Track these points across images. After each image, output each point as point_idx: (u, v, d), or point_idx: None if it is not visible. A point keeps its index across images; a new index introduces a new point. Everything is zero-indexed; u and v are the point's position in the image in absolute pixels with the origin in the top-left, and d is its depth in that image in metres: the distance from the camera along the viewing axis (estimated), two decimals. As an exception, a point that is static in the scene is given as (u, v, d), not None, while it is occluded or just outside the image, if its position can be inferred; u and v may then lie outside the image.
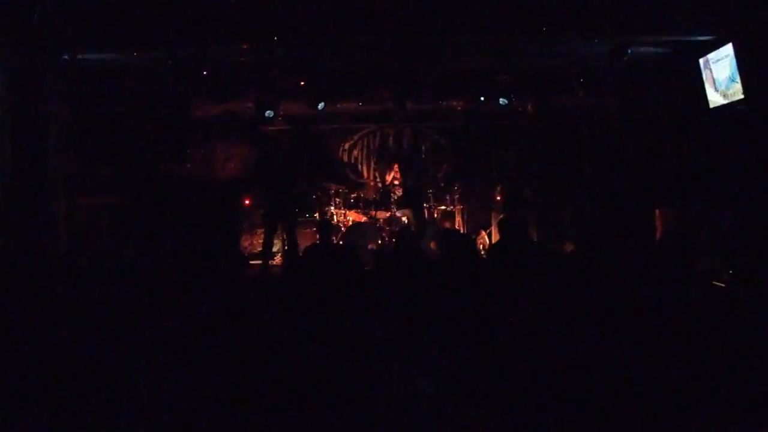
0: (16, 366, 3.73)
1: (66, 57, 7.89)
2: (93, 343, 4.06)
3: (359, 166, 14.18)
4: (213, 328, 4.45)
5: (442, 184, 13.16)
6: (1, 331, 4.00)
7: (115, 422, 3.59)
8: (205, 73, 10.38)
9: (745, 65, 8.38)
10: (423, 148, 13.83)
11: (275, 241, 11.21)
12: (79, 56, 8.25)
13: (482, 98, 12.22)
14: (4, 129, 7.31)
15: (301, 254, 9.95)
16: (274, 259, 11.28)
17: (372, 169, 14.10)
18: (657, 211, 10.92)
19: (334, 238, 10.84)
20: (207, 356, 4.15)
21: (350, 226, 12.10)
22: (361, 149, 14.05)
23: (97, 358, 3.94)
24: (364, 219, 12.22)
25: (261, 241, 11.61)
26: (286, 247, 11.60)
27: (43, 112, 7.36)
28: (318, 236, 10.01)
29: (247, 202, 12.77)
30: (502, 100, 11.86)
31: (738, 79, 8.50)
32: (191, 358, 4.25)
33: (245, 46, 9.37)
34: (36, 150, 7.28)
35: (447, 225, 12.61)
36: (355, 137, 14.17)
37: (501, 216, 10.68)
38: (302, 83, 11.65)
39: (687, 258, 5.22)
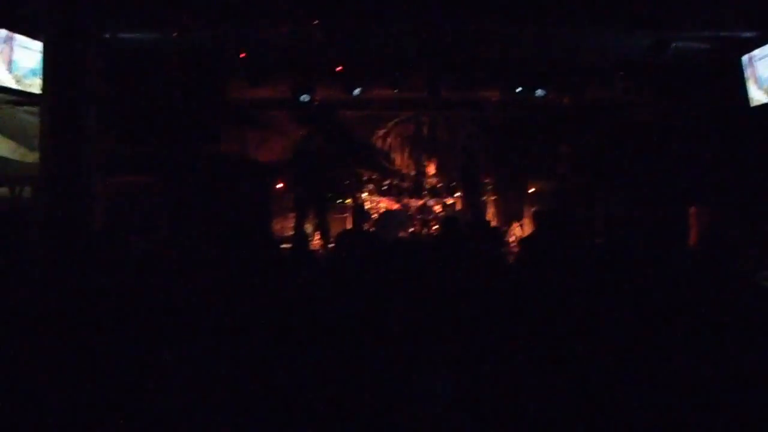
0: (50, 344, 3.75)
1: (107, 35, 7.93)
2: (126, 324, 4.07)
3: (392, 154, 14.13)
4: (242, 312, 4.45)
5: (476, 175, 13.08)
6: (37, 309, 4.01)
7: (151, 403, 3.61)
8: (242, 55, 10.38)
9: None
10: (458, 137, 13.80)
11: (307, 226, 11.24)
12: (120, 35, 8.29)
13: (518, 89, 12.13)
14: (46, 104, 7.37)
15: (332, 240, 9.98)
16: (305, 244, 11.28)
17: (405, 157, 14.03)
18: (692, 210, 10.81)
19: (366, 225, 10.79)
20: (237, 340, 4.16)
21: (382, 213, 12.08)
22: (396, 137, 13.99)
23: (133, 338, 3.96)
24: (396, 206, 12.17)
25: (292, 225, 11.64)
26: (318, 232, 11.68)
27: (83, 90, 7.39)
28: (352, 222, 9.99)
29: (280, 185, 12.75)
30: (539, 92, 11.76)
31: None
32: (223, 341, 4.27)
33: (284, 29, 9.36)
34: (76, 126, 7.32)
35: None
36: (390, 124, 14.11)
37: (537, 209, 10.63)
38: (339, 68, 11.64)
39: (729, 257, 5.10)
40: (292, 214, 12.13)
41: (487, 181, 12.83)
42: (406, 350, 4.08)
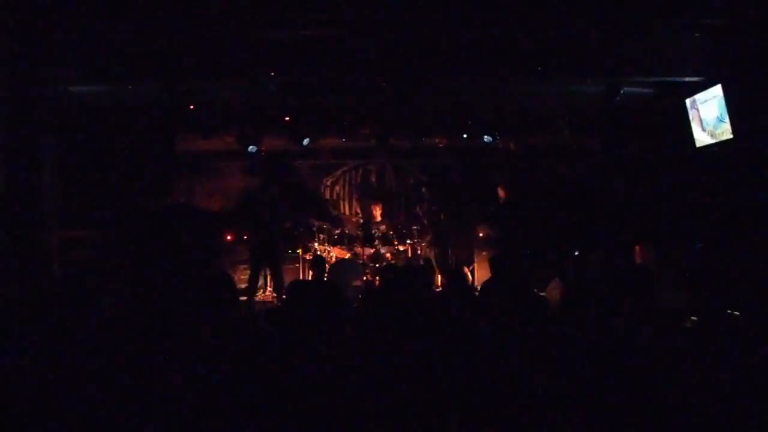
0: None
1: (59, 89, 7.79)
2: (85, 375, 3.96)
3: (341, 202, 14.13)
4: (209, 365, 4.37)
5: (425, 221, 13.12)
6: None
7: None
8: (191, 107, 10.32)
9: (734, 106, 8.50)
10: (406, 184, 13.93)
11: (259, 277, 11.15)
12: (71, 89, 8.16)
13: (465, 135, 12.30)
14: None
15: (286, 290, 9.87)
16: (257, 295, 11.16)
17: (353, 206, 14.05)
18: (638, 249, 11.02)
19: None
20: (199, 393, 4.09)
21: (335, 262, 12.00)
22: (343, 185, 14.00)
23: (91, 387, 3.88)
24: (347, 255, 12.10)
25: (243, 277, 11.50)
26: (269, 284, 11.59)
27: (36, 144, 7.24)
28: (312, 272, 9.89)
29: (228, 237, 12.59)
30: (486, 138, 11.94)
31: (727, 119, 8.61)
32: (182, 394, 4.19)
33: (232, 82, 9.36)
34: (30, 181, 7.16)
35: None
36: (338, 173, 14.13)
37: (491, 253, 10.71)
38: (287, 119, 11.66)
39: (648, 294, 5.25)
40: (242, 266, 12.00)
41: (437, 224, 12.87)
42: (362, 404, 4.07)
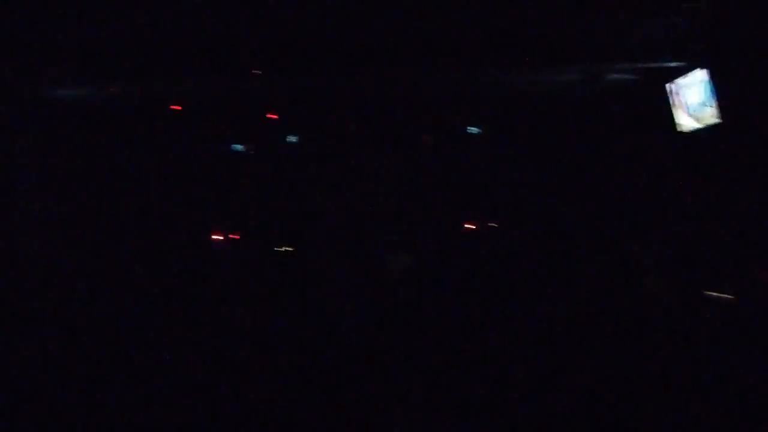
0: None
1: (35, 91, 7.70)
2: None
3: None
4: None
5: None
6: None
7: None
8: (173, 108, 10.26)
9: (720, 91, 8.54)
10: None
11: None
12: (54, 92, 8.08)
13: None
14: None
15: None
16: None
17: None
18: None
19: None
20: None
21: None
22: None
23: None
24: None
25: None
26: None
27: (16, 145, 7.19)
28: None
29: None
30: (469, 128, 11.97)
31: (712, 103, 8.64)
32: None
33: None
34: (9, 183, 7.11)
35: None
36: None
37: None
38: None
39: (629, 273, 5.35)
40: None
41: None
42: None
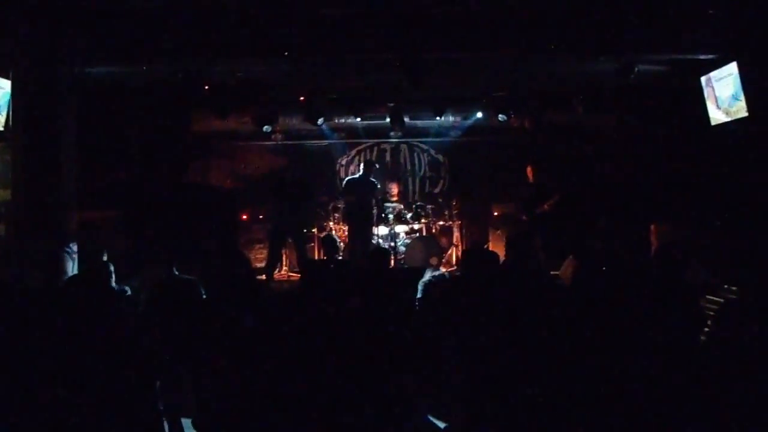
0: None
1: (75, 70, 7.83)
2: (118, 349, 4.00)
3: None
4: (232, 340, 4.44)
5: (440, 200, 13.17)
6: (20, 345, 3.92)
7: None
8: (206, 87, 10.35)
9: (750, 83, 8.46)
10: (420, 163, 14.00)
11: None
12: (87, 69, 8.20)
13: (480, 114, 12.35)
14: (19, 142, 7.25)
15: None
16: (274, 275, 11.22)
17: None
18: (653, 227, 11.01)
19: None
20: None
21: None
22: (358, 165, 14.06)
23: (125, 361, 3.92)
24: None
25: (260, 256, 11.62)
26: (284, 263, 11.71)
27: (56, 125, 7.31)
28: (323, 252, 9.94)
29: (244, 217, 12.68)
30: (501, 117, 11.95)
31: (742, 97, 8.57)
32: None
33: (247, 61, 9.38)
34: (50, 163, 7.23)
35: (444, 241, 12.68)
36: (352, 152, 14.17)
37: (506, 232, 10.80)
38: (302, 98, 11.71)
39: (678, 272, 5.22)
40: (258, 246, 12.10)
41: (454, 203, 12.91)
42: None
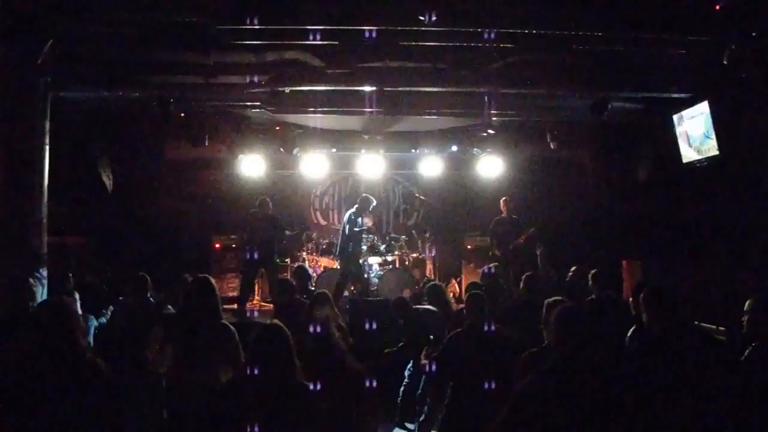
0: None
1: (50, 94, 7.76)
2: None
3: (330, 212, 14.16)
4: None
5: (414, 232, 13.18)
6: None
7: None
8: (182, 115, 10.32)
9: (720, 122, 8.59)
10: (395, 195, 14.02)
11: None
12: (61, 93, 8.14)
13: (454, 148, 12.34)
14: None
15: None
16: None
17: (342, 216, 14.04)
18: (624, 263, 11.08)
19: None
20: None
21: (322, 272, 12.02)
22: (332, 195, 14.04)
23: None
24: (335, 265, 12.07)
25: (232, 285, 11.56)
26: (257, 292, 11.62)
27: (29, 149, 7.23)
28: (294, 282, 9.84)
29: (217, 245, 12.57)
30: (475, 150, 11.99)
31: (713, 135, 8.69)
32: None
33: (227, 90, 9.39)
34: (22, 187, 7.14)
35: (416, 272, 12.64)
36: (327, 183, 14.14)
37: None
38: (277, 128, 11.68)
39: (674, 308, 5.20)
40: (231, 275, 12.03)
41: (427, 235, 12.92)
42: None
